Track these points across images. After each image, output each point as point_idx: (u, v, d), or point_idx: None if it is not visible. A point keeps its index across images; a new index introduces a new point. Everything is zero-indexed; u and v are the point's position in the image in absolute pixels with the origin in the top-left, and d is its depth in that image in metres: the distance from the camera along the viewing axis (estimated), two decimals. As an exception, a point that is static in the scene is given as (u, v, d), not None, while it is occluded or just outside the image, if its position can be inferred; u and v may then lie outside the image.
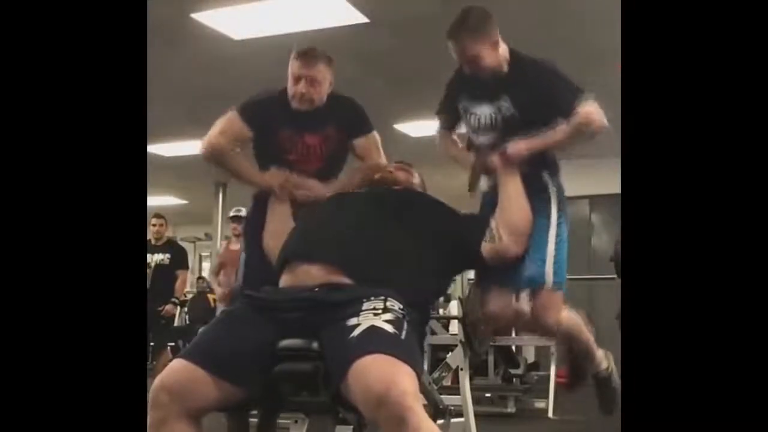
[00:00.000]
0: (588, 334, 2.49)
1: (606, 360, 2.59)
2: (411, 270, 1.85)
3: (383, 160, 2.63)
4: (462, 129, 2.52)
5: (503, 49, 2.33)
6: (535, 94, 2.28)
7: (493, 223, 2.13)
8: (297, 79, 2.45)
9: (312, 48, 2.51)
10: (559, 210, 2.34)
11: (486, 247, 2.08)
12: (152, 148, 7.67)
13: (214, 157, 2.50)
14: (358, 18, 4.56)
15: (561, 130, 2.26)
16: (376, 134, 2.64)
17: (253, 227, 2.51)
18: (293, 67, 2.47)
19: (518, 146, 2.26)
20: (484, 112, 2.37)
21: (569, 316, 2.40)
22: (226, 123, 2.50)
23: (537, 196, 2.29)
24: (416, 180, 2.30)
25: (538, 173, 2.34)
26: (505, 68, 2.34)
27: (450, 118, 2.55)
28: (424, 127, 7.09)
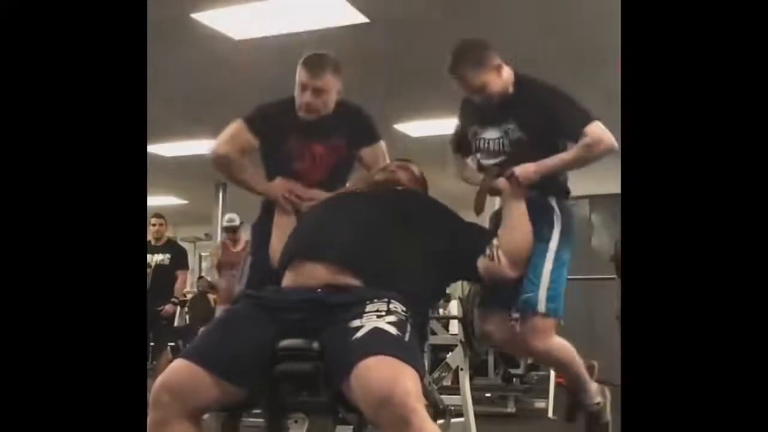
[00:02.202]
0: (580, 367, 2.43)
1: (601, 396, 2.50)
2: (413, 272, 1.85)
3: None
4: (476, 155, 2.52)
5: (507, 72, 2.34)
6: (542, 116, 2.28)
7: (495, 242, 2.09)
8: (303, 88, 2.42)
9: (319, 56, 2.46)
10: (562, 236, 2.31)
11: (482, 264, 2.04)
12: (152, 148, 7.66)
13: (221, 166, 2.52)
14: (358, 18, 4.56)
15: (570, 152, 2.26)
16: (383, 144, 2.63)
17: (260, 234, 2.49)
18: (300, 75, 2.44)
19: (527, 169, 2.24)
20: (491, 135, 2.38)
21: (560, 345, 2.35)
22: (233, 132, 2.49)
23: (541, 220, 2.26)
24: (417, 175, 2.30)
25: (544, 198, 2.33)
26: (511, 90, 2.34)
27: (463, 145, 2.55)
28: (424, 127, 7.10)
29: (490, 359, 5.96)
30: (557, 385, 5.44)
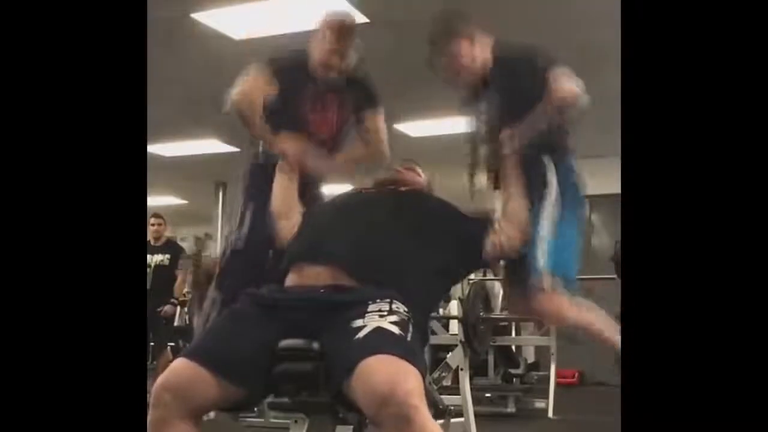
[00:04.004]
0: (600, 329, 2.35)
1: None
2: (416, 272, 1.85)
3: (385, 138, 2.67)
4: None
5: (484, 46, 2.39)
6: (516, 80, 2.33)
7: (496, 217, 2.11)
8: (330, 52, 2.49)
9: (344, 19, 2.54)
10: (562, 194, 2.28)
11: (488, 244, 2.03)
12: (152, 148, 7.66)
13: (243, 107, 2.52)
14: (358, 18, 4.56)
15: (538, 108, 2.27)
16: (383, 111, 2.68)
17: (255, 192, 2.52)
18: (326, 37, 2.50)
19: (503, 134, 2.26)
20: (480, 109, 2.42)
21: (577, 314, 2.28)
22: (257, 76, 2.53)
23: (535, 180, 2.26)
24: (423, 179, 2.30)
25: (538, 158, 2.31)
26: (491, 63, 2.40)
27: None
28: (424, 127, 7.10)
29: (490, 359, 5.96)
30: (557, 385, 5.45)
